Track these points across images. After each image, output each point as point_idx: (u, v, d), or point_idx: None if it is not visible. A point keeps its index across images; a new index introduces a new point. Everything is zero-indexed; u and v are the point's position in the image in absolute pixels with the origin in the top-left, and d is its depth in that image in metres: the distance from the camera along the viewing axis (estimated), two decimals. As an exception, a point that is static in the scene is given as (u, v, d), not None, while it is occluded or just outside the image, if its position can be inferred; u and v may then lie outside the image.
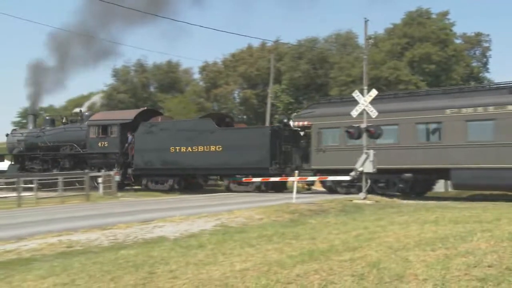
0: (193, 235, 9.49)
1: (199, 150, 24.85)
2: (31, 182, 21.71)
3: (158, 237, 9.38)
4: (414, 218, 11.22)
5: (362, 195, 17.61)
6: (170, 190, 25.89)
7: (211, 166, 24.37)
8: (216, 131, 24.91)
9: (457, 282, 5.31)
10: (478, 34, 48.50)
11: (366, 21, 19.65)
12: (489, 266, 5.65)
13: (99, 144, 28.07)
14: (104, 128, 28.06)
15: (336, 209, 14.51)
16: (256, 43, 51.85)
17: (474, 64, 48.02)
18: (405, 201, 18.22)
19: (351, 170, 19.52)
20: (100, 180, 23.69)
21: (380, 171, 18.73)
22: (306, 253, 7.08)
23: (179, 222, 11.41)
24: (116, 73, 57.90)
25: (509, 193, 20.59)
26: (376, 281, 5.47)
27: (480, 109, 19.20)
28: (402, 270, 5.82)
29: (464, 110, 19.44)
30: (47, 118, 34.20)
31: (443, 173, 20.35)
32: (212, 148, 24.52)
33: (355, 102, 19.65)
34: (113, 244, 8.69)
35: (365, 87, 18.68)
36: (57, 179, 22.04)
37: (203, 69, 54.15)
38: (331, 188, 22.38)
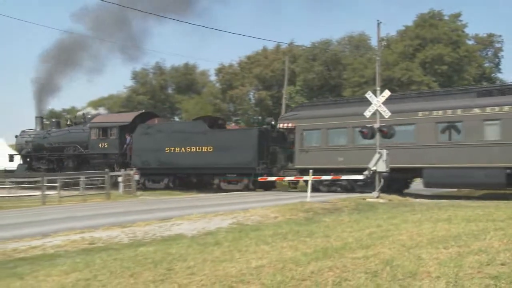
0: (210, 232, 9.51)
1: (192, 150, 25.59)
2: (54, 181, 22.02)
3: (176, 234, 9.41)
4: (427, 217, 11.14)
5: (375, 193, 17.50)
6: (166, 189, 26.40)
7: (203, 165, 24.86)
8: (208, 133, 25.65)
9: (470, 280, 5.25)
10: (490, 35, 47.90)
11: (379, 23, 19.66)
12: (502, 264, 5.59)
13: (100, 145, 29.01)
14: (104, 130, 28.98)
15: (349, 208, 14.44)
16: (271, 46, 51.85)
17: (486, 64, 47.46)
18: (418, 200, 18.09)
19: (332, 169, 21.35)
20: (120, 179, 23.87)
21: (360, 170, 19.46)
22: (320, 251, 7.06)
23: (196, 220, 11.45)
24: (135, 76, 58.33)
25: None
26: (390, 278, 5.43)
27: (449, 111, 19.87)
28: (415, 267, 5.78)
29: (435, 112, 20.02)
30: (53, 120, 35.44)
31: (418, 172, 20.82)
32: (204, 148, 25.24)
33: (335, 105, 21.55)
34: (133, 241, 8.75)
35: (378, 88, 18.58)
36: (79, 178, 22.49)
37: (219, 71, 54.31)
38: (314, 187, 22.31)
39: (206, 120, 27.24)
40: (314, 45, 46.75)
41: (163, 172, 26.76)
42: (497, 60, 48.88)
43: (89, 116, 32.19)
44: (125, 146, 28.19)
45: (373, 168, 17.57)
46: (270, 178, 22.95)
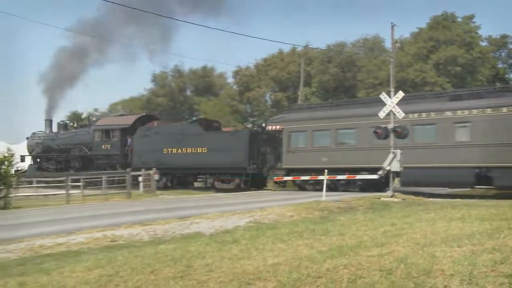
0: (228, 231, 9.54)
1: (188, 151, 26.32)
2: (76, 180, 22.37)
3: (194, 232, 9.45)
4: (440, 216, 11.04)
5: (389, 193, 17.39)
6: (164, 188, 26.79)
7: (198, 166, 25.47)
8: (203, 135, 26.47)
9: (484, 278, 5.19)
10: (504, 36, 47.14)
11: (393, 26, 19.49)
12: (516, 263, 5.52)
13: (103, 147, 30.12)
14: (107, 132, 30.06)
15: (364, 207, 14.36)
16: (286, 48, 51.75)
17: (500, 65, 46.77)
18: (431, 199, 17.92)
19: (316, 169, 21.86)
20: (140, 179, 24.05)
21: (342, 170, 21.04)
22: (336, 249, 7.04)
23: (214, 219, 11.49)
24: (154, 78, 58.71)
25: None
26: (404, 276, 5.40)
27: (424, 114, 20.44)
28: (429, 265, 5.73)
29: (410, 115, 20.07)
30: (61, 123, 35.96)
31: (396, 172, 20.85)
32: (199, 150, 25.94)
33: (320, 109, 23.05)
34: (153, 239, 8.80)
35: (392, 89, 18.48)
36: (100, 178, 22.84)
37: (236, 73, 54.40)
38: (300, 186, 23.78)
39: (202, 123, 28.22)
40: (329, 48, 46.59)
41: (162, 172, 26.99)
42: (510, 61, 48.14)
43: (93, 119, 33.87)
44: (126, 147, 29.10)
45: (387, 168, 17.45)
46: (285, 178, 22.95)
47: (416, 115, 20.56)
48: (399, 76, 35.18)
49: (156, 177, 24.63)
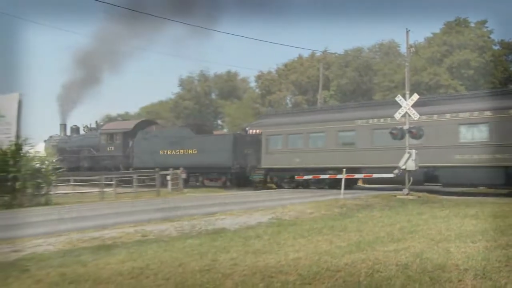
0: (251, 227, 9.56)
1: (181, 152, 27.67)
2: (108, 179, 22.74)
3: (220, 228, 9.48)
4: (455, 213, 10.89)
5: (405, 191, 17.19)
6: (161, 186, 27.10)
7: (189, 165, 26.02)
8: (193, 138, 27.74)
9: (497, 273, 5.11)
10: (517, 40, 46.17)
11: (407, 31, 19.25)
12: (528, 258, 5.42)
13: (108, 149, 31.66)
14: (111, 136, 31.80)
15: (381, 204, 14.24)
16: (306, 54, 51.62)
17: (512, 68, 45.79)
18: (445, 197, 17.65)
19: (290, 169, 23.55)
20: (168, 177, 24.24)
21: (313, 170, 22.29)
22: (354, 244, 7.01)
23: (238, 215, 11.52)
24: (181, 83, 59.18)
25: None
26: (419, 270, 5.35)
27: (382, 120, 21.08)
28: (444, 260, 5.66)
29: (370, 120, 21.44)
30: (73, 127, 37.08)
31: (357, 171, 21.69)
32: (190, 151, 27.28)
33: (294, 114, 24.75)
34: (181, 235, 8.86)
35: (407, 92, 18.28)
36: (131, 177, 23.18)
37: (258, 77, 54.49)
38: (278, 184, 24.96)
39: (194, 127, 29.96)
40: (346, 53, 46.33)
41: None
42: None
43: (101, 123, 35.25)
44: (128, 149, 30.53)
45: (403, 167, 17.26)
46: (305, 177, 22.86)
47: (375, 120, 21.37)
48: (413, 79, 34.69)
49: (184, 176, 24.81)
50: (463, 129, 19.43)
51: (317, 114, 24.99)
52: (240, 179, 25.90)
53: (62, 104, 39.92)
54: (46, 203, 17.29)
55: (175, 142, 27.98)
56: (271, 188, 25.03)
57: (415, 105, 17.52)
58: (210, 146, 26.56)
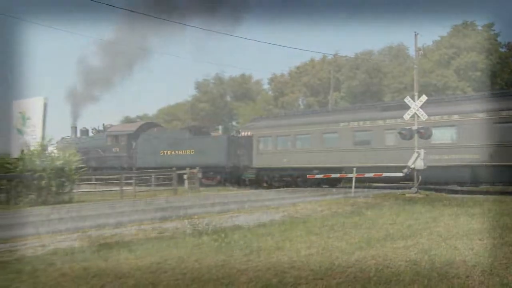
0: (264, 224, 9.55)
1: (180, 153, 28.49)
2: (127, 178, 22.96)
3: (233, 225, 9.48)
4: (462, 211, 10.77)
5: (414, 189, 17.06)
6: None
7: (187, 165, 26.11)
8: (190, 139, 28.51)
9: (505, 270, 5.05)
10: (523, 42, 45.47)
11: (416, 35, 19.12)
12: (535, 255, 5.34)
13: (113, 150, 32.49)
14: (116, 137, 32.67)
15: (390, 202, 14.13)
16: (318, 57, 51.53)
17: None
18: (453, 195, 17.47)
19: (279, 168, 24.42)
20: (185, 176, 24.34)
21: (299, 170, 23.12)
22: (364, 241, 6.98)
23: (251, 213, 11.53)
24: (197, 86, 59.45)
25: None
26: (428, 266, 5.31)
27: (361, 122, 21.75)
28: (452, 256, 5.62)
29: (352, 123, 22.03)
30: (83, 129, 37.68)
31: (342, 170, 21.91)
32: (188, 151, 28.11)
33: (282, 118, 25.69)
34: (196, 231, 8.88)
35: (416, 93, 18.15)
36: (150, 176, 23.39)
37: (272, 80, 54.50)
38: (267, 182, 25.50)
39: (192, 129, 30.65)
40: (357, 56, 46.14)
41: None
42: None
43: (108, 126, 35.79)
44: (131, 150, 31.32)
45: (412, 166, 17.13)
46: (317, 176, 22.81)
47: (356, 123, 21.92)
48: (422, 81, 34.39)
49: (200, 175, 24.90)
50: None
51: (301, 117, 25.75)
52: (234, 178, 26.72)
53: (73, 109, 41.15)
54: (70, 201, 17.49)
55: (175, 143, 28.82)
56: (268, 187, 25.11)
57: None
58: (206, 147, 27.43)
